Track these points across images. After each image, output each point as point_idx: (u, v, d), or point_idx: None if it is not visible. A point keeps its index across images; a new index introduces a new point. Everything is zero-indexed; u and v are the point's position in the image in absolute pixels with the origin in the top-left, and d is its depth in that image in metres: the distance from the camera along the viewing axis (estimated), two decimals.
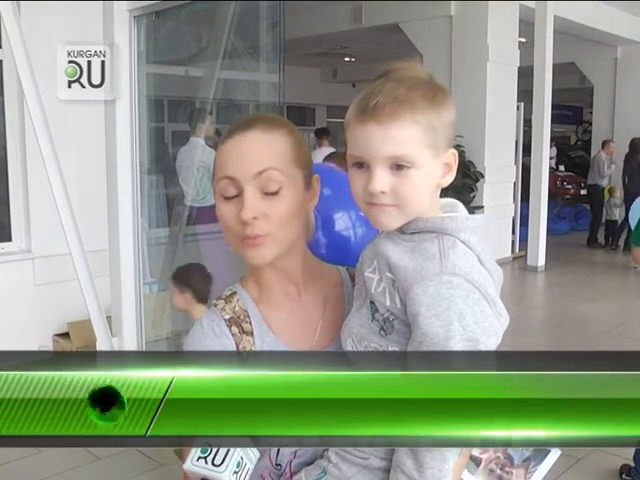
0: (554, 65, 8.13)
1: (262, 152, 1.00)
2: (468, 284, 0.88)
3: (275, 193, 0.99)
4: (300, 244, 1.08)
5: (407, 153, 0.89)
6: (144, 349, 4.58)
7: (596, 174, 10.02)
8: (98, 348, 4.38)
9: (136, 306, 4.56)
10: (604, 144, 10.21)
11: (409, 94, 0.89)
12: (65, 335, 4.74)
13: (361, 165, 0.92)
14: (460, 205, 1.00)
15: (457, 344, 0.86)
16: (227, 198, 1.01)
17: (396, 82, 0.91)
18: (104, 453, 3.52)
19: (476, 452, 1.02)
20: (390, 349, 0.93)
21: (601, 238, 9.86)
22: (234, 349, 1.03)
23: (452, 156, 0.94)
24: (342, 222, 1.24)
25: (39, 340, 4.70)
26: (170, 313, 4.91)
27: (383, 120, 0.88)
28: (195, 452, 0.84)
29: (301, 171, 1.04)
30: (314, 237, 1.18)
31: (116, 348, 4.45)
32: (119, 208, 4.41)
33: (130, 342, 4.53)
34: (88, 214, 4.43)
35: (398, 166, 0.90)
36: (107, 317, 4.38)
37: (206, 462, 0.83)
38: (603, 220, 9.96)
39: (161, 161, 5.57)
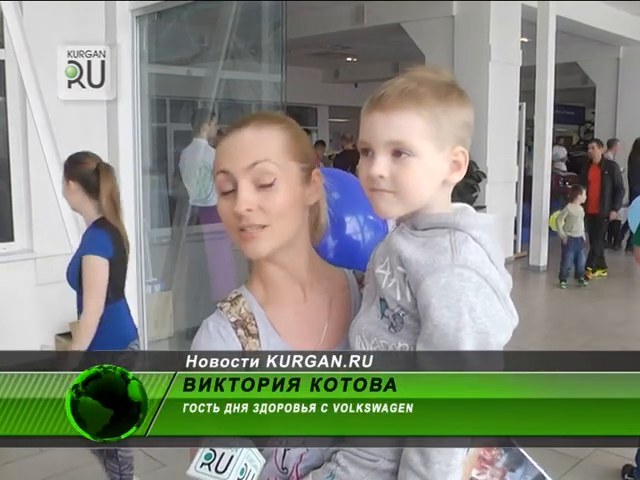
0: (556, 65, 8.12)
1: (254, 145, 1.01)
2: (479, 278, 0.89)
3: (269, 185, 1.00)
4: (303, 240, 1.08)
5: (407, 140, 0.91)
6: (146, 349, 4.58)
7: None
8: None
9: (138, 306, 4.56)
10: (610, 143, 10.12)
11: (417, 89, 0.92)
12: (67, 335, 4.74)
13: (367, 151, 0.95)
14: (471, 208, 1.01)
15: (467, 335, 0.87)
16: (224, 193, 1.02)
17: (409, 78, 0.94)
18: None
19: (474, 473, 1.01)
20: (400, 345, 0.93)
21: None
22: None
23: (461, 154, 0.96)
24: (351, 226, 1.23)
25: (41, 340, 4.70)
26: (172, 313, 4.91)
27: (387, 108, 0.91)
28: (199, 458, 0.83)
29: (297, 164, 1.04)
30: (323, 241, 1.17)
31: None
32: None
33: None
34: None
35: (398, 153, 0.92)
36: None
37: (209, 468, 0.82)
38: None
39: (164, 161, 5.58)
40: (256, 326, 1.05)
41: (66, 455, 3.51)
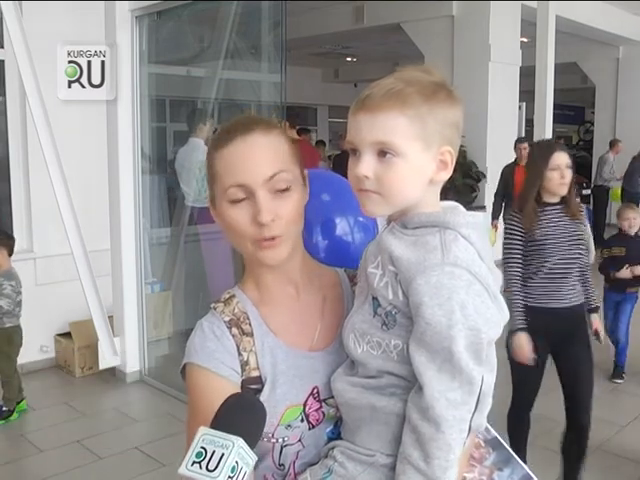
0: (556, 65, 8.10)
1: (270, 156, 1.02)
2: (470, 275, 0.90)
3: (285, 193, 1.02)
4: (300, 243, 1.10)
5: (392, 141, 0.91)
6: (146, 349, 4.58)
7: (605, 176, 9.89)
8: (100, 348, 4.38)
9: (138, 306, 4.56)
10: (612, 144, 10.11)
11: (404, 89, 0.91)
12: (67, 335, 4.74)
13: (354, 151, 0.95)
14: (461, 207, 1.01)
15: (459, 332, 0.87)
16: (236, 202, 1.02)
17: (396, 79, 0.94)
18: (106, 453, 3.52)
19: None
20: (393, 343, 0.94)
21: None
22: (235, 350, 1.04)
23: (447, 154, 0.94)
24: (341, 227, 1.24)
25: (41, 340, 4.71)
26: (172, 313, 4.91)
27: (373, 109, 0.91)
28: (190, 456, 0.83)
29: (299, 168, 1.07)
30: (314, 241, 1.18)
31: (117, 348, 4.45)
32: (121, 208, 4.42)
33: (132, 342, 4.53)
34: (90, 214, 4.43)
35: (384, 153, 0.92)
36: (109, 317, 4.39)
37: (200, 467, 0.82)
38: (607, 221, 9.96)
39: (164, 161, 5.58)
40: (250, 325, 1.06)
41: (66, 455, 3.52)
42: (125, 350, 4.50)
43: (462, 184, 7.90)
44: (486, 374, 0.90)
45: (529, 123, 8.90)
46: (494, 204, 6.88)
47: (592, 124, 14.10)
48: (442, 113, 0.92)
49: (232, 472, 0.82)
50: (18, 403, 3.95)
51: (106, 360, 4.41)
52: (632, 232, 4.44)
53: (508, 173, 6.86)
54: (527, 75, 8.23)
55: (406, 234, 0.94)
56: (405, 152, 0.91)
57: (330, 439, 1.04)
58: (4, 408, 3.91)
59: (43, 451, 3.57)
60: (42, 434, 3.78)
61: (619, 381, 4.52)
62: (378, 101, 0.91)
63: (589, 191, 10.82)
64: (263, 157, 1.01)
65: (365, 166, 0.92)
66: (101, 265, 4.36)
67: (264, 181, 1.00)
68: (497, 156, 8.29)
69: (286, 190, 1.02)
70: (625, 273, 4.36)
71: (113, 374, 4.56)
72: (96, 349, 4.41)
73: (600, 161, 10.25)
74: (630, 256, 4.37)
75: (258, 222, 1.00)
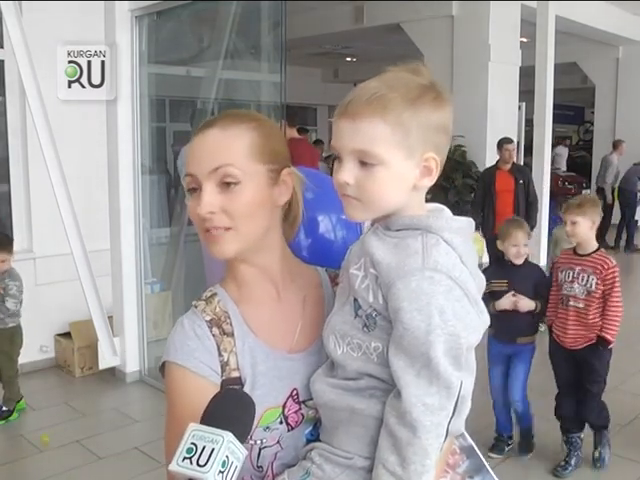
0: (556, 65, 8.11)
1: (218, 149, 1.01)
2: (449, 280, 0.89)
3: (232, 188, 1.00)
4: (275, 240, 1.08)
5: (372, 150, 0.90)
6: (145, 349, 4.58)
7: (608, 180, 9.84)
8: (99, 348, 4.38)
9: (137, 306, 4.56)
10: (615, 145, 10.05)
11: (386, 94, 0.90)
12: (67, 335, 4.74)
13: (339, 157, 0.94)
14: (447, 210, 1.00)
15: (438, 338, 0.87)
16: (191, 192, 1.03)
17: (381, 82, 0.92)
18: (105, 453, 3.52)
19: None
20: (373, 345, 0.93)
21: (610, 240, 9.76)
22: (215, 350, 1.03)
23: (432, 160, 0.93)
24: (324, 225, 1.22)
25: (41, 340, 4.70)
26: (171, 313, 4.91)
27: (354, 116, 0.90)
28: (180, 452, 0.83)
29: (264, 166, 1.03)
30: (295, 240, 1.17)
31: (117, 348, 4.45)
32: (121, 208, 4.42)
33: (131, 342, 4.53)
34: (90, 214, 4.43)
35: (364, 161, 0.91)
36: (109, 317, 4.39)
37: (191, 462, 0.82)
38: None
39: (164, 161, 5.58)
40: (231, 325, 1.05)
41: (66, 455, 3.52)
42: (125, 350, 4.50)
43: (462, 184, 7.90)
44: (465, 378, 0.90)
45: (529, 123, 8.90)
46: (472, 215, 5.53)
47: (592, 124, 14.13)
48: (426, 117, 0.90)
49: (223, 467, 0.82)
50: (17, 402, 3.96)
51: (106, 360, 4.41)
52: (519, 262, 3.39)
53: (489, 178, 6.07)
54: (527, 75, 8.24)
55: (389, 236, 0.94)
56: (386, 160, 0.90)
57: (309, 441, 1.03)
58: (4, 408, 3.91)
59: (43, 451, 3.57)
60: (42, 434, 3.78)
61: (528, 455, 3.48)
62: (360, 108, 0.89)
63: (588, 191, 10.82)
64: (210, 150, 1.01)
65: (346, 173, 0.91)
66: (101, 265, 4.36)
67: (208, 172, 1.00)
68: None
69: (234, 184, 1.00)
70: (506, 303, 3.28)
71: (113, 374, 4.56)
72: (96, 349, 4.41)
73: (603, 162, 10.18)
74: (514, 291, 3.33)
75: (197, 214, 1.00)
